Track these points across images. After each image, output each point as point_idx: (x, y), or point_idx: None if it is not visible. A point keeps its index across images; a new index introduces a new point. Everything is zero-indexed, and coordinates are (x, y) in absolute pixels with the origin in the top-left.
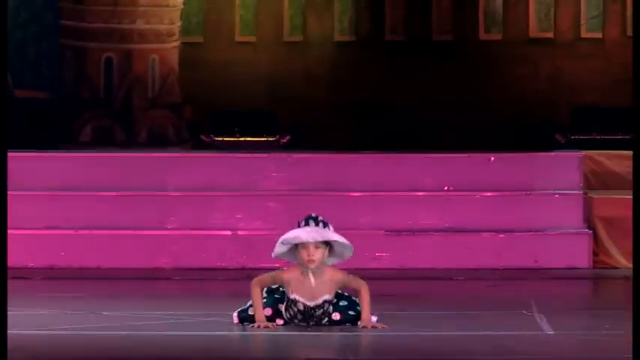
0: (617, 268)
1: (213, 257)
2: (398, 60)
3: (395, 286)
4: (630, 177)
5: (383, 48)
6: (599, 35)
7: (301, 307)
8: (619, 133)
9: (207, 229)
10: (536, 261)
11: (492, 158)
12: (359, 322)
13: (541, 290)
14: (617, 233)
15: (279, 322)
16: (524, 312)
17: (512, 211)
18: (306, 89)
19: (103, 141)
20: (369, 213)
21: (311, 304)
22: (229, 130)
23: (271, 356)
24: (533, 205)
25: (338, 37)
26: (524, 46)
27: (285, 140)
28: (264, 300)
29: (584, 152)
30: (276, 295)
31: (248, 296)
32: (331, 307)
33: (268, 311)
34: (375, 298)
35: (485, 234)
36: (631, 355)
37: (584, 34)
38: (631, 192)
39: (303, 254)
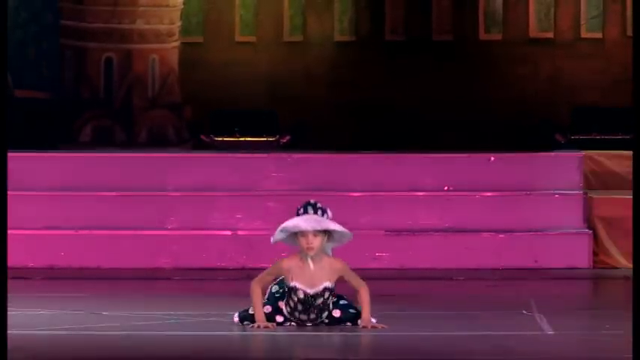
0: (617, 268)
1: (213, 257)
2: (398, 60)
3: (395, 286)
4: (630, 177)
5: (383, 48)
6: (599, 35)
7: (301, 296)
8: (619, 133)
9: (207, 229)
10: (536, 261)
11: (492, 158)
12: (359, 321)
13: (541, 290)
14: (617, 233)
15: (279, 319)
16: (524, 312)
17: (512, 211)
18: (306, 89)
19: (103, 141)
20: (369, 213)
21: (311, 291)
22: (229, 130)
23: (271, 356)
24: (533, 205)
25: (338, 37)
26: (524, 46)
27: (285, 140)
28: (265, 300)
29: (584, 152)
30: (276, 295)
31: (248, 296)
32: (331, 300)
33: (268, 308)
34: (375, 298)
35: (485, 234)
36: (631, 355)
37: (584, 34)
38: (631, 192)
39: (302, 242)
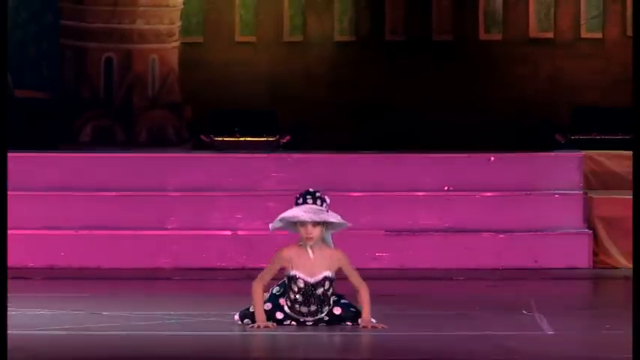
0: (617, 268)
1: (213, 257)
2: (398, 60)
3: (395, 286)
4: (630, 177)
5: (383, 48)
6: (599, 35)
7: (301, 285)
8: (619, 133)
9: (207, 229)
10: (536, 261)
11: (492, 158)
12: (359, 321)
13: (541, 290)
14: (617, 233)
15: (279, 315)
16: (524, 312)
17: (512, 211)
18: (306, 89)
19: (103, 141)
20: (369, 213)
21: (311, 280)
22: (229, 130)
23: (271, 356)
24: (533, 205)
25: (338, 37)
26: (524, 46)
27: (285, 140)
28: (266, 300)
29: (584, 152)
30: (277, 294)
31: (248, 295)
32: (331, 292)
33: (268, 305)
34: (375, 298)
35: (485, 234)
36: (631, 355)
37: (584, 34)
38: (631, 192)
39: (302, 231)
